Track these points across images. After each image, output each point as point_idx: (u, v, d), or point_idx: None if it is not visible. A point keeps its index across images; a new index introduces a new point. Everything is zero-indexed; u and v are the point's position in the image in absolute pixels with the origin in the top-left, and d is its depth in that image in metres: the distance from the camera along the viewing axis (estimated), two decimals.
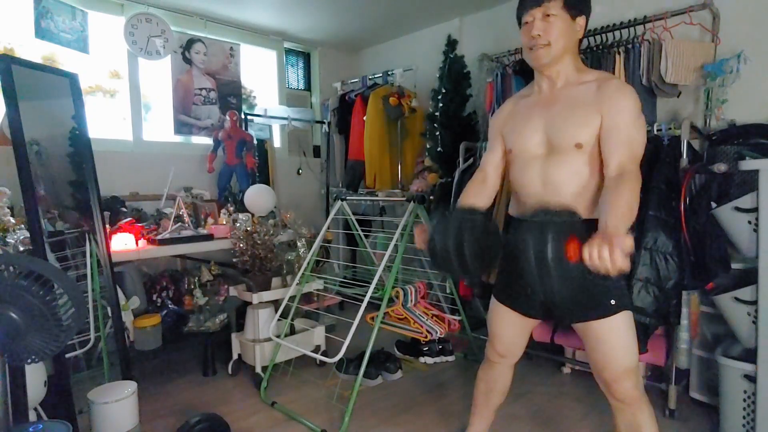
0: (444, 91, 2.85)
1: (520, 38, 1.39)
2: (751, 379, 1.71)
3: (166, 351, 2.43)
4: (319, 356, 2.11)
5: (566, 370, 2.49)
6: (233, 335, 2.52)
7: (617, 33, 2.39)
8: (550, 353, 2.48)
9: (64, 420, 1.25)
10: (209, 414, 1.78)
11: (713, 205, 1.87)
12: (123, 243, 2.22)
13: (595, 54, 2.37)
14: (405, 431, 1.96)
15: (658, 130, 2.01)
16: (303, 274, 2.39)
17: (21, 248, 1.73)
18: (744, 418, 1.74)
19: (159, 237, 2.34)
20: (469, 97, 2.92)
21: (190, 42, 3.19)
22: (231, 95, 3.43)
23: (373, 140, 3.25)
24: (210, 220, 2.75)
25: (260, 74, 3.75)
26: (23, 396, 1.45)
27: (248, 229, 2.43)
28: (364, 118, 3.32)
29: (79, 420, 1.80)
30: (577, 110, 1.30)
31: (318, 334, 2.60)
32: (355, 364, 2.35)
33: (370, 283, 2.09)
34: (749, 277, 1.75)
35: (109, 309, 2.09)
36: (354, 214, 2.78)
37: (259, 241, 2.41)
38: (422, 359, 2.62)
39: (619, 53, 2.29)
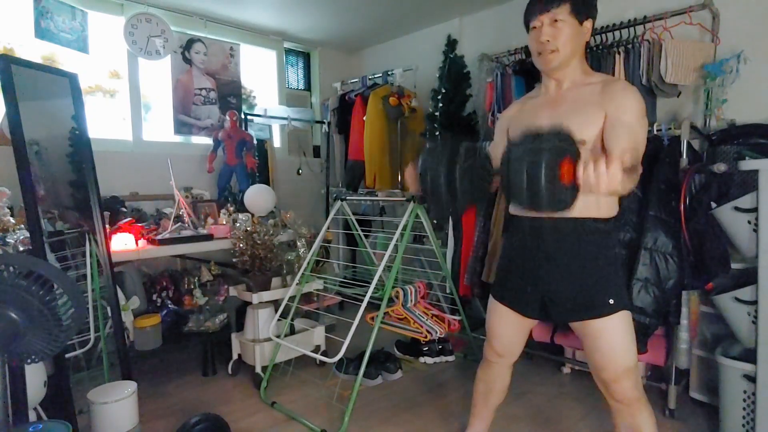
0: (444, 91, 2.85)
1: (528, 42, 1.40)
2: (751, 379, 1.71)
3: (166, 351, 2.43)
4: (319, 356, 2.11)
5: (566, 370, 2.49)
6: (233, 335, 2.52)
7: (617, 33, 2.39)
8: (550, 353, 2.48)
9: (64, 420, 1.25)
10: (209, 414, 1.78)
11: (713, 205, 1.87)
12: (123, 243, 2.22)
13: (595, 54, 2.37)
14: (405, 431, 1.96)
15: (658, 130, 2.02)
16: (303, 274, 2.39)
17: (21, 248, 1.73)
18: (744, 418, 1.74)
19: (159, 237, 2.34)
20: (469, 97, 2.92)
21: (190, 42, 3.19)
22: (231, 95, 3.43)
23: (373, 140, 3.25)
24: (210, 220, 2.75)
25: (260, 74, 3.75)
26: (23, 396, 1.45)
27: (248, 229, 2.43)
28: (364, 118, 3.31)
29: (79, 420, 1.80)
30: (582, 109, 1.31)
31: (318, 334, 2.60)
32: (355, 364, 2.36)
33: (370, 283, 2.09)
34: (749, 277, 1.75)
35: (109, 309, 2.09)
36: (354, 214, 2.78)
37: (259, 241, 2.41)
38: (422, 359, 2.62)
39: (619, 53, 2.29)
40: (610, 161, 1.00)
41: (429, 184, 1.26)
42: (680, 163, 1.95)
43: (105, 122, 2.92)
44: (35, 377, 1.55)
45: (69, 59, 2.70)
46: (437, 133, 2.90)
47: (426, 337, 2.24)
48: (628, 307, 1.34)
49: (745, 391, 1.74)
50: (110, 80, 2.96)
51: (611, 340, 1.30)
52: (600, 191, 1.02)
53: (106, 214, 2.36)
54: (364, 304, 2.01)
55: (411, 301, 2.39)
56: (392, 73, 3.28)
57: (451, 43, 2.91)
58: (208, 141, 3.24)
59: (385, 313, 2.18)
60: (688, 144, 1.96)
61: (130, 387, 1.75)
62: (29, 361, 1.07)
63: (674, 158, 1.95)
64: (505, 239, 1.56)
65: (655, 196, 1.89)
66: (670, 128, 1.99)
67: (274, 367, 2.34)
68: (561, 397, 2.23)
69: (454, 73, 2.86)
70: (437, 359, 2.62)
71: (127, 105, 3.00)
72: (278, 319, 2.34)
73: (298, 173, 3.84)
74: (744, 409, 1.74)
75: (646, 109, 1.32)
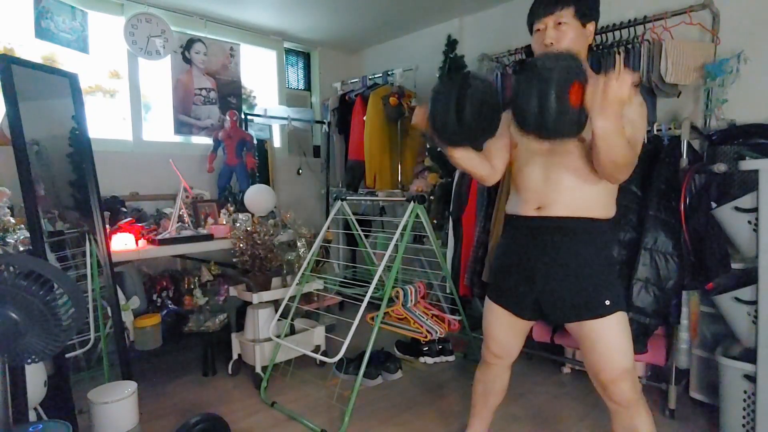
0: None
1: (532, 44, 1.40)
2: (751, 379, 1.71)
3: (166, 351, 2.43)
4: (319, 356, 2.11)
5: (566, 370, 2.49)
6: (233, 335, 2.52)
7: (617, 33, 2.39)
8: (550, 353, 2.48)
9: (64, 420, 1.25)
10: (209, 414, 1.78)
11: (713, 205, 1.87)
12: (123, 243, 2.23)
13: (595, 54, 2.37)
14: (405, 431, 1.96)
15: (658, 130, 2.02)
16: (303, 274, 2.39)
17: (21, 248, 1.73)
18: (744, 418, 1.74)
19: (159, 237, 2.34)
20: None
21: (190, 42, 3.19)
22: (231, 95, 3.43)
23: (373, 140, 3.25)
24: (210, 220, 2.75)
25: (260, 74, 3.75)
26: (23, 396, 1.45)
27: (248, 229, 2.43)
28: (364, 118, 3.32)
29: (79, 420, 1.81)
30: None
31: (318, 334, 2.60)
32: (355, 364, 2.36)
33: (370, 283, 2.09)
34: (749, 277, 1.75)
35: (109, 309, 2.09)
36: (354, 214, 2.78)
37: (259, 241, 2.41)
38: (422, 359, 2.62)
39: (619, 53, 2.30)
40: (620, 72, 1.03)
41: (439, 113, 1.23)
42: (680, 163, 1.94)
43: (105, 122, 2.92)
44: (35, 377, 1.55)
45: (69, 59, 2.70)
46: None
47: (426, 337, 2.24)
48: (625, 308, 1.33)
49: (745, 391, 1.74)
50: (110, 80, 2.96)
51: (608, 341, 1.30)
52: (608, 103, 1.04)
53: (106, 214, 2.36)
54: (364, 304, 2.01)
55: (411, 301, 2.39)
56: (392, 73, 3.28)
57: (451, 43, 2.91)
58: (208, 141, 3.24)
59: (385, 313, 2.18)
60: (688, 144, 1.96)
61: (130, 387, 1.75)
62: (29, 361, 1.07)
63: (674, 158, 1.95)
64: (501, 239, 1.56)
65: (655, 196, 1.89)
66: (670, 128, 1.99)
67: (274, 367, 2.34)
68: (561, 397, 2.23)
69: (454, 73, 2.87)
70: (437, 359, 2.62)
71: (127, 105, 3.00)
72: (278, 319, 2.34)
73: (298, 173, 3.85)
74: (744, 409, 1.74)
75: (647, 109, 1.32)
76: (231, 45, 3.41)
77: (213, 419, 1.76)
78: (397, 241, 2.17)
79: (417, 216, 2.27)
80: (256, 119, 3.48)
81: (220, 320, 2.59)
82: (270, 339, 2.31)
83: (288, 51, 3.92)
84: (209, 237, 2.50)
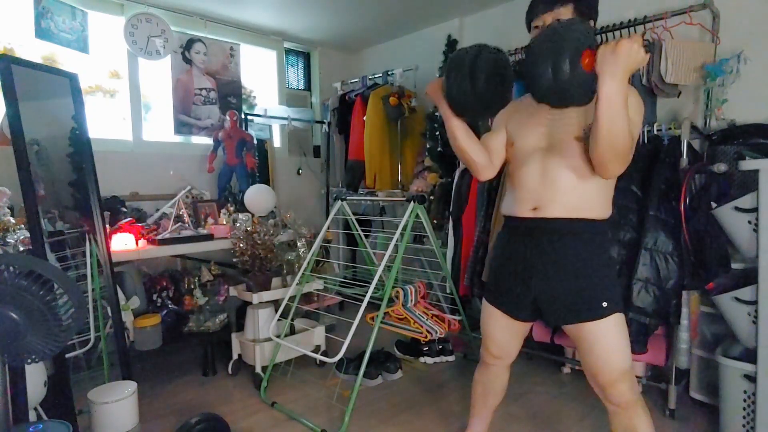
0: None
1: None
2: (751, 379, 1.71)
3: (166, 351, 2.43)
4: (319, 356, 2.11)
5: (566, 370, 2.49)
6: (233, 335, 2.52)
7: (617, 33, 2.39)
8: (550, 353, 2.48)
9: (64, 420, 1.25)
10: (209, 414, 1.78)
11: (713, 205, 1.87)
12: (123, 243, 2.23)
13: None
14: (405, 431, 1.96)
15: (658, 130, 2.02)
16: (303, 274, 2.39)
17: (21, 248, 1.72)
18: (744, 418, 1.75)
19: (159, 237, 2.34)
20: None
21: (190, 42, 3.19)
22: (231, 95, 3.43)
23: (373, 140, 3.25)
24: (210, 220, 2.75)
25: (260, 74, 3.75)
26: (23, 396, 1.45)
27: (248, 229, 2.43)
28: (364, 118, 3.32)
29: (79, 420, 1.80)
30: (579, 108, 1.30)
31: (318, 334, 2.60)
32: (355, 364, 2.36)
33: (370, 283, 2.09)
34: (749, 277, 1.75)
35: (109, 309, 2.09)
36: (354, 214, 2.78)
37: (259, 241, 2.41)
38: (422, 359, 2.62)
39: None
40: (632, 38, 1.06)
41: (455, 81, 1.27)
42: (680, 163, 1.94)
43: (105, 122, 2.92)
44: (35, 377, 1.55)
45: (69, 59, 2.70)
46: (437, 133, 2.90)
47: (426, 337, 2.24)
48: (622, 310, 1.33)
49: (745, 391, 1.74)
50: (110, 80, 2.96)
51: (606, 343, 1.29)
52: (619, 64, 1.06)
53: (106, 214, 2.36)
54: (364, 304, 2.01)
55: (411, 301, 2.40)
56: (392, 73, 3.28)
57: (451, 43, 2.91)
58: (208, 141, 3.24)
59: (385, 313, 2.18)
60: (688, 144, 1.96)
61: (130, 387, 1.75)
62: (29, 361, 1.07)
63: (674, 158, 1.95)
64: (497, 240, 1.55)
65: (655, 196, 1.89)
66: (670, 128, 1.99)
67: (274, 367, 2.34)
68: (561, 397, 2.23)
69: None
70: (437, 359, 2.62)
71: (127, 105, 3.00)
72: (278, 319, 2.34)
73: (298, 173, 3.85)
74: (744, 409, 1.74)
75: (647, 109, 1.32)
76: (231, 45, 3.41)
77: (213, 419, 1.76)
78: (397, 241, 2.17)
79: (417, 216, 2.28)
80: (256, 119, 3.48)
81: (220, 320, 2.59)
82: (270, 339, 2.32)
83: (288, 51, 3.92)
84: (209, 237, 2.50)
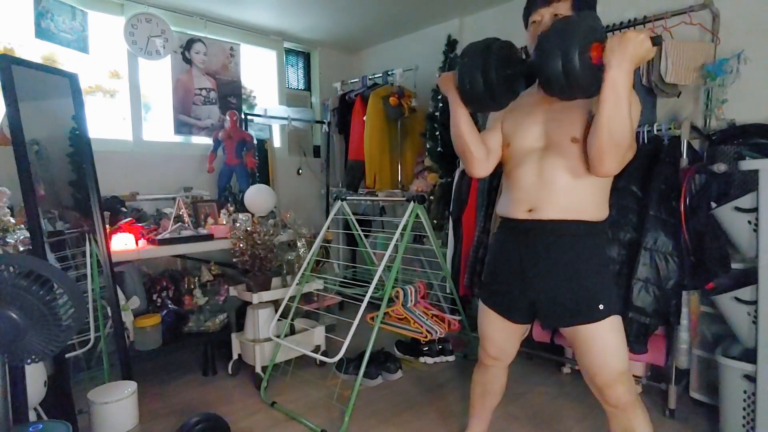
0: None
1: (527, 39, 1.39)
2: (751, 379, 1.71)
3: (166, 351, 2.43)
4: (319, 356, 2.11)
5: (566, 370, 2.49)
6: (233, 335, 2.52)
7: (617, 33, 2.39)
8: (550, 353, 2.48)
9: (64, 420, 1.25)
10: (209, 414, 1.78)
11: (713, 205, 1.87)
12: (123, 243, 2.23)
13: None
14: (405, 431, 1.96)
15: (658, 130, 2.02)
16: (303, 274, 2.39)
17: (21, 248, 1.73)
18: (744, 418, 1.75)
19: (159, 237, 2.34)
20: None
21: (190, 42, 3.19)
22: (231, 95, 3.43)
23: (373, 140, 3.25)
24: (210, 220, 2.75)
25: (260, 74, 3.75)
26: (23, 396, 1.45)
27: (248, 229, 2.43)
28: (364, 118, 3.32)
29: (79, 420, 1.80)
30: (576, 107, 1.30)
31: (318, 334, 2.60)
32: (355, 364, 2.36)
33: (370, 283, 2.09)
34: (749, 277, 1.76)
35: (109, 309, 2.09)
36: (354, 214, 2.78)
37: (259, 241, 2.41)
38: (422, 359, 2.62)
39: None
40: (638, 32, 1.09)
41: (467, 73, 1.30)
42: (680, 163, 1.94)
43: (105, 122, 2.92)
44: (35, 377, 1.55)
45: (69, 59, 2.70)
46: (437, 133, 2.90)
47: (426, 337, 2.24)
48: (619, 312, 1.32)
49: (745, 391, 1.74)
50: (110, 80, 2.96)
51: (603, 345, 1.29)
52: (626, 53, 1.08)
53: (106, 214, 2.36)
54: (364, 304, 2.01)
55: (411, 301, 2.40)
56: (392, 73, 3.28)
57: (451, 43, 2.91)
58: (208, 141, 3.24)
59: (385, 313, 2.18)
60: (688, 144, 1.96)
61: (130, 387, 1.75)
62: (29, 361, 1.07)
63: (674, 158, 1.95)
64: (493, 241, 1.54)
65: (655, 196, 1.89)
66: (670, 128, 1.99)
67: (274, 367, 2.34)
68: (561, 397, 2.23)
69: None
70: (437, 359, 2.63)
71: (127, 105, 3.00)
72: (278, 319, 2.34)
73: (298, 173, 3.85)
74: (744, 409, 1.75)
75: (647, 109, 1.33)
76: (231, 45, 3.41)
77: (213, 419, 1.76)
78: (397, 241, 2.18)
79: (417, 216, 2.28)
80: (256, 119, 3.48)
81: (220, 320, 2.59)
82: (270, 339, 2.32)
83: (288, 51, 3.92)
84: (209, 237, 2.50)
